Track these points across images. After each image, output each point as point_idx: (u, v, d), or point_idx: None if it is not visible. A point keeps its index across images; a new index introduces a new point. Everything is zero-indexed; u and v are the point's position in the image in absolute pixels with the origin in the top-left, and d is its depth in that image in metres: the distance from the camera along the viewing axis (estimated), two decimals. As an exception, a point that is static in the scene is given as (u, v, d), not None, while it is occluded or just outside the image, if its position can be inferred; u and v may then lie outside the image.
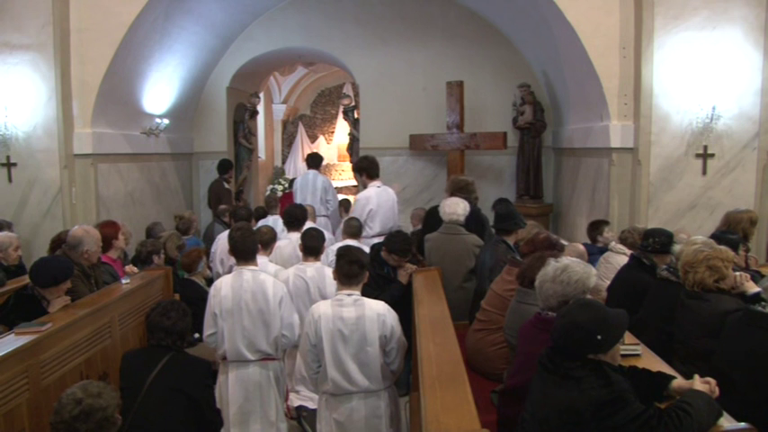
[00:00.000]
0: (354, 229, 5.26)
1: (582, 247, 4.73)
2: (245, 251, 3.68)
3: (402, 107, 8.71)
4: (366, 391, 3.22)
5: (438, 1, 8.54)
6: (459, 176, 5.79)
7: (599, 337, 2.12)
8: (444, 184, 6.49)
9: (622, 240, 4.77)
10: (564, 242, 4.27)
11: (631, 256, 4.15)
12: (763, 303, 2.79)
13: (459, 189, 5.16)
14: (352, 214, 5.83)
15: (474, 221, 4.90)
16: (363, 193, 5.75)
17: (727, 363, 2.59)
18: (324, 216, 7.10)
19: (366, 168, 5.76)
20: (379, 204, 5.71)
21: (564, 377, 2.14)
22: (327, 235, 5.28)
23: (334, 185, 14.11)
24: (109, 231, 4.73)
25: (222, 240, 5.52)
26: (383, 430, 3.28)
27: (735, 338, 2.71)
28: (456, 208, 4.74)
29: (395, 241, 4.37)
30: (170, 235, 5.87)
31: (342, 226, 5.70)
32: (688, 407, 2.10)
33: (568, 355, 2.16)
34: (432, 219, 5.31)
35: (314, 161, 7.61)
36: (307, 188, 7.01)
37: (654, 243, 3.94)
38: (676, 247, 3.74)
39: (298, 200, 6.90)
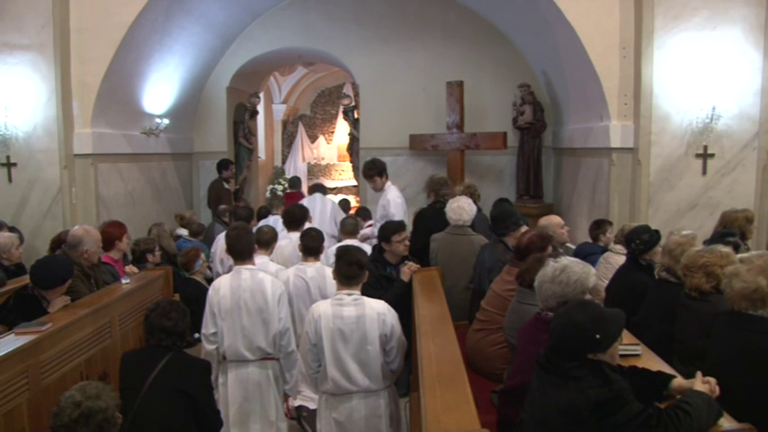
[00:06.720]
0: (351, 227, 5.27)
1: (557, 218, 4.88)
2: (240, 251, 3.69)
3: (402, 107, 8.71)
4: (366, 390, 3.23)
5: (438, 1, 8.53)
6: (435, 175, 5.86)
7: (597, 335, 2.12)
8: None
9: (617, 242, 4.79)
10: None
11: (628, 257, 4.15)
12: None
13: (441, 185, 5.34)
14: (397, 217, 5.58)
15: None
16: (394, 194, 5.58)
17: (716, 365, 2.59)
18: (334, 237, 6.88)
19: (384, 169, 5.65)
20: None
21: (563, 377, 2.14)
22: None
23: (334, 185, 14.30)
24: (114, 231, 4.73)
25: (222, 240, 5.50)
26: (383, 430, 3.28)
27: (722, 340, 2.71)
28: (462, 204, 4.74)
29: (382, 228, 4.45)
30: (160, 232, 5.88)
31: (338, 226, 5.66)
32: (688, 407, 2.10)
33: (567, 355, 2.16)
34: (421, 221, 5.32)
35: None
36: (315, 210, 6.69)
37: (638, 245, 3.93)
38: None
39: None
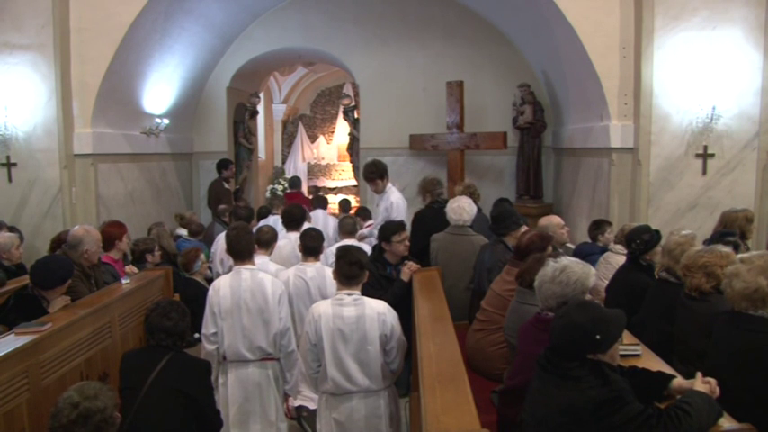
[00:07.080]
0: (350, 227, 5.26)
1: (557, 218, 4.90)
2: (240, 251, 3.69)
3: (402, 107, 8.71)
4: (366, 390, 3.23)
5: (438, 1, 8.54)
6: (427, 176, 5.95)
7: (597, 336, 2.12)
8: (445, 184, 6.50)
9: (617, 242, 4.79)
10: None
11: (628, 257, 4.14)
12: None
13: (435, 185, 5.48)
14: (398, 217, 5.64)
15: (439, 220, 4.93)
16: (397, 196, 5.55)
17: (716, 365, 2.59)
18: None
19: (385, 171, 5.62)
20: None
21: (563, 377, 2.14)
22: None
23: (334, 185, 14.29)
24: (114, 231, 4.73)
25: (222, 240, 5.50)
26: (383, 430, 3.28)
27: (722, 340, 2.71)
28: (463, 204, 4.74)
29: (382, 228, 4.45)
30: (160, 232, 5.88)
31: (337, 225, 5.65)
32: (688, 407, 2.10)
33: (567, 355, 2.16)
34: (420, 223, 5.31)
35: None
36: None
37: (638, 245, 3.92)
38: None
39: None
